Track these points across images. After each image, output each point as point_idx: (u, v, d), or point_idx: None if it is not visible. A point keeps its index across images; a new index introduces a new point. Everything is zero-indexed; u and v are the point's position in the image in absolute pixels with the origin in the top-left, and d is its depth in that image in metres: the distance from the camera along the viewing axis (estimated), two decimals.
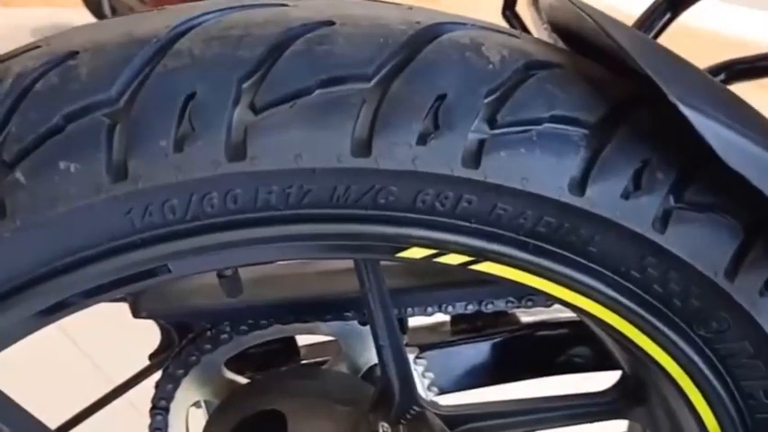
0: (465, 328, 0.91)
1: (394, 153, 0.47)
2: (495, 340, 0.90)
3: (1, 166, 0.45)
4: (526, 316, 0.92)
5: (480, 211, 0.51)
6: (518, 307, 0.84)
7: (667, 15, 0.74)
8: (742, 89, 0.60)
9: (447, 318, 0.92)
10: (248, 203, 0.48)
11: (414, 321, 0.89)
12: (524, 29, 0.80)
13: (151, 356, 0.91)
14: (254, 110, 0.46)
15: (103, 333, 1.53)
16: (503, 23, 0.78)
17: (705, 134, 0.47)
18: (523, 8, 0.82)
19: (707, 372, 0.59)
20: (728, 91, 0.52)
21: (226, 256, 0.50)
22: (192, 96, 0.46)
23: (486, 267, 0.54)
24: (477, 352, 0.90)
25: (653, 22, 0.74)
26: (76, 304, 0.50)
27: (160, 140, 0.45)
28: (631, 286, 0.55)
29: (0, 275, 0.46)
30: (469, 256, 0.53)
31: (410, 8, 0.54)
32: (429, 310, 0.81)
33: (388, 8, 0.53)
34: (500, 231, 0.52)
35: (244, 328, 0.77)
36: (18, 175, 0.45)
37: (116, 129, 0.45)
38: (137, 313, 0.75)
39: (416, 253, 0.52)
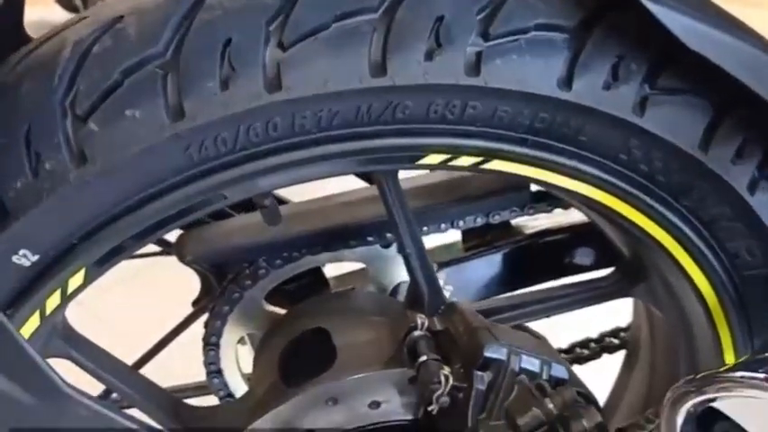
0: (475, 244, 0.99)
1: (406, 70, 0.55)
2: (504, 251, 0.98)
3: (76, 119, 0.53)
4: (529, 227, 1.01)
5: (484, 114, 0.59)
6: (521, 215, 0.92)
7: None
8: None
9: (458, 237, 1.00)
10: (287, 130, 0.56)
11: (428, 242, 0.98)
12: None
13: (194, 303, 0.99)
14: (283, 47, 0.54)
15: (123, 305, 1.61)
16: None
17: (667, 23, 0.55)
18: None
19: (695, 238, 0.68)
20: None
21: (272, 180, 0.58)
22: (228, 42, 0.53)
23: (495, 165, 0.62)
24: (488, 264, 0.98)
25: None
26: (148, 237, 0.58)
27: (208, 82, 0.53)
28: (620, 168, 0.63)
29: (87, 214, 0.55)
30: (479, 156, 0.61)
31: None
32: (443, 226, 0.89)
33: None
34: (503, 132, 0.60)
35: (278, 262, 0.85)
36: (92, 125, 0.53)
37: (168, 77, 0.53)
38: (182, 258, 0.84)
39: (433, 159, 0.61)
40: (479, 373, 0.60)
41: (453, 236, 0.98)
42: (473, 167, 0.62)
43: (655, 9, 0.54)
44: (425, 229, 0.89)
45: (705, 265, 0.69)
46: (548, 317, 0.80)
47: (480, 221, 0.90)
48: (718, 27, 0.57)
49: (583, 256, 1.00)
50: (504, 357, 0.62)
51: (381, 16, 0.55)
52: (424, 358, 0.64)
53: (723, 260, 0.69)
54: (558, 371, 0.64)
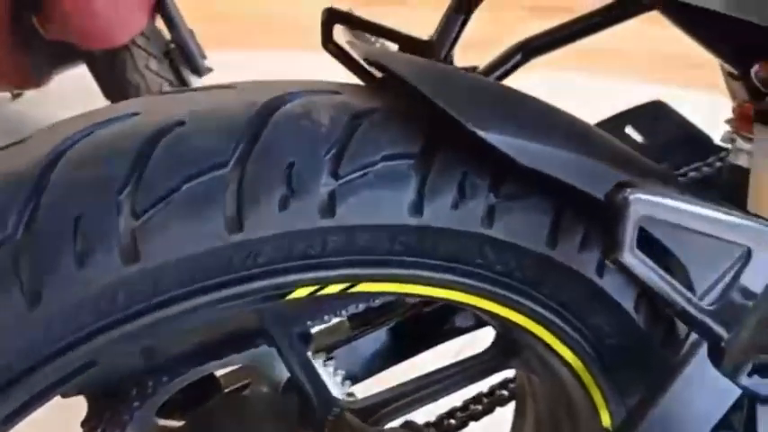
0: (361, 323, 1.02)
1: (263, 223, 0.57)
2: (390, 325, 1.01)
3: None
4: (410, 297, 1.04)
5: (345, 246, 0.61)
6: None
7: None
8: None
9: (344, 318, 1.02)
10: (148, 294, 0.56)
11: (315, 328, 0.99)
12: (345, 54, 0.88)
13: (83, 424, 0.97)
14: (136, 215, 0.54)
15: None
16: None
17: (500, 147, 0.59)
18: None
19: (557, 320, 0.73)
20: (510, 94, 0.64)
21: (144, 340, 0.58)
22: (79, 217, 0.53)
23: (363, 288, 0.64)
24: (376, 340, 1.01)
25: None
26: (37, 404, 0.57)
27: (63, 262, 0.53)
28: (479, 270, 0.67)
29: None
30: (345, 282, 0.63)
31: (241, 89, 0.62)
32: (326, 318, 0.91)
33: (224, 94, 0.62)
34: (365, 257, 0.62)
35: (165, 379, 0.85)
36: None
37: (20, 261, 0.52)
38: (65, 394, 0.81)
39: (302, 292, 0.62)
40: None
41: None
42: (342, 293, 0.64)
43: (485, 136, 0.59)
44: (309, 323, 0.90)
45: (569, 341, 0.74)
46: (435, 401, 0.83)
47: (362, 307, 0.93)
48: (545, 141, 0.61)
49: (463, 319, 1.04)
50: None
51: (232, 170, 0.56)
52: None
53: (585, 334, 0.74)
54: None
